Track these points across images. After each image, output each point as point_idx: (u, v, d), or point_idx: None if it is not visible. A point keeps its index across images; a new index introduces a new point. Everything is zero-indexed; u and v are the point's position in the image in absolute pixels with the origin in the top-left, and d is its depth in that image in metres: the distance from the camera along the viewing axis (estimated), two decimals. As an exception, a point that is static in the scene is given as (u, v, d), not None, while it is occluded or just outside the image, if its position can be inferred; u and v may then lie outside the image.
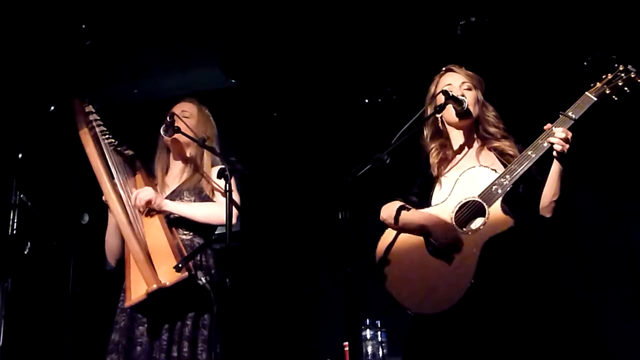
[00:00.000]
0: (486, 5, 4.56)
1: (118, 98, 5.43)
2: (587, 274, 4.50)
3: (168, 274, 2.83)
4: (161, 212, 3.12)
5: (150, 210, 3.11)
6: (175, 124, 3.16)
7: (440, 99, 2.87)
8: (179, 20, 4.74)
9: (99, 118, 3.21)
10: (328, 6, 4.60)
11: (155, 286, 2.78)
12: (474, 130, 2.98)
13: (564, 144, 2.63)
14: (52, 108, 4.68)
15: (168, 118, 3.17)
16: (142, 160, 3.38)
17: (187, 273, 2.83)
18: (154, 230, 3.05)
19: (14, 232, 4.42)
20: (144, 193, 3.08)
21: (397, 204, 2.88)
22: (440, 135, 3.01)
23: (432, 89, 3.04)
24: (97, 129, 3.18)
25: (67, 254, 4.80)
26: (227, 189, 2.88)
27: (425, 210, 2.84)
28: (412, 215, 2.83)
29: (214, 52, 5.11)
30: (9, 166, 4.56)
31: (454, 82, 2.94)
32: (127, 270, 2.95)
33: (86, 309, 4.83)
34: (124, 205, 3.03)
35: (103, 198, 3.06)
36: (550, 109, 2.76)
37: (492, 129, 2.95)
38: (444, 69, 3.05)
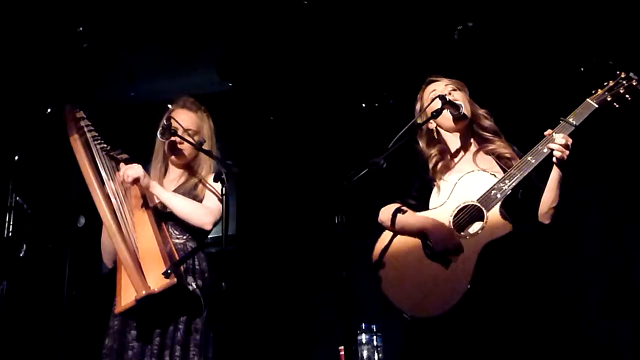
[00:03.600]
0: (484, 10, 4.57)
1: (114, 101, 5.42)
2: (582, 279, 4.51)
3: (157, 280, 2.82)
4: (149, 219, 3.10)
5: (139, 205, 3.10)
6: (172, 127, 3.15)
7: (437, 104, 2.88)
8: (176, 23, 4.74)
9: (90, 124, 3.17)
10: (325, 10, 4.60)
11: (144, 292, 2.77)
12: (470, 132, 2.99)
13: (563, 149, 2.63)
14: (49, 110, 4.66)
15: (165, 121, 3.16)
16: (137, 163, 3.35)
17: (175, 279, 2.82)
18: (145, 235, 3.03)
19: (10, 234, 4.40)
20: (133, 170, 3.06)
21: (395, 206, 2.87)
22: (437, 142, 3.02)
23: (418, 105, 3.07)
24: (88, 135, 3.14)
25: (63, 257, 4.78)
26: (224, 192, 2.88)
27: (423, 213, 2.84)
28: (410, 218, 2.83)
29: (211, 55, 5.11)
30: (5, 168, 4.54)
31: (438, 88, 2.98)
32: (118, 275, 2.95)
33: (81, 312, 4.81)
34: (115, 212, 3.01)
35: None
36: (550, 115, 2.76)
37: (486, 123, 2.97)
38: (424, 84, 3.08)
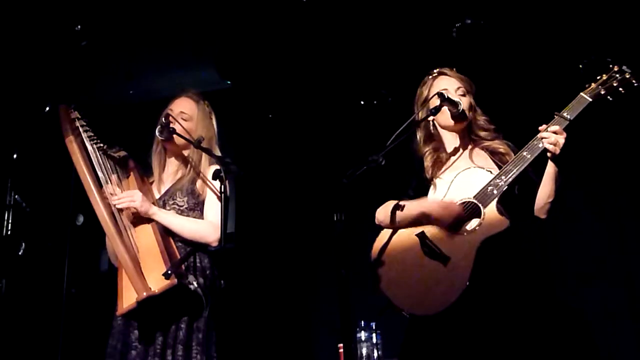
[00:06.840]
0: (482, 7, 4.57)
1: (113, 99, 5.43)
2: (580, 275, 4.51)
3: (158, 281, 2.80)
4: (150, 220, 3.08)
5: (139, 218, 3.07)
6: (171, 126, 3.14)
7: (435, 101, 2.87)
8: (174, 21, 4.74)
9: (85, 124, 3.13)
10: (323, 8, 4.60)
11: (144, 294, 2.76)
12: (467, 132, 2.98)
13: (554, 137, 2.61)
14: (48, 109, 4.66)
15: (163, 119, 3.14)
16: (136, 160, 3.34)
17: (176, 280, 2.81)
18: (146, 236, 3.01)
19: (9, 232, 4.41)
20: (130, 198, 3.03)
21: (391, 203, 2.87)
22: (433, 138, 3.01)
23: (425, 92, 3.00)
24: (84, 135, 3.10)
25: (62, 255, 4.79)
26: (222, 190, 2.87)
27: None
28: (407, 208, 2.81)
29: (209, 53, 5.11)
30: (3, 166, 4.54)
31: (449, 86, 2.92)
32: (119, 277, 2.93)
33: (80, 310, 4.82)
34: (113, 214, 2.98)
35: None
36: (545, 111, 2.76)
37: (482, 133, 2.95)
38: (435, 72, 3.02)
